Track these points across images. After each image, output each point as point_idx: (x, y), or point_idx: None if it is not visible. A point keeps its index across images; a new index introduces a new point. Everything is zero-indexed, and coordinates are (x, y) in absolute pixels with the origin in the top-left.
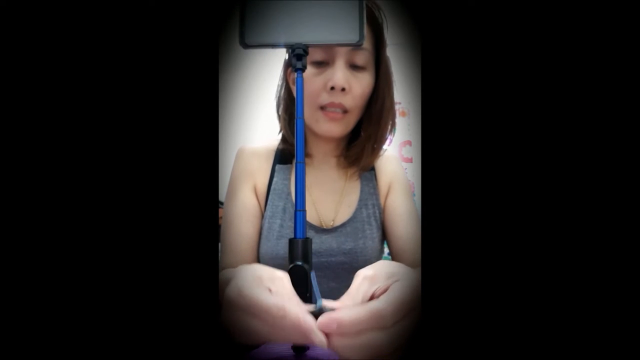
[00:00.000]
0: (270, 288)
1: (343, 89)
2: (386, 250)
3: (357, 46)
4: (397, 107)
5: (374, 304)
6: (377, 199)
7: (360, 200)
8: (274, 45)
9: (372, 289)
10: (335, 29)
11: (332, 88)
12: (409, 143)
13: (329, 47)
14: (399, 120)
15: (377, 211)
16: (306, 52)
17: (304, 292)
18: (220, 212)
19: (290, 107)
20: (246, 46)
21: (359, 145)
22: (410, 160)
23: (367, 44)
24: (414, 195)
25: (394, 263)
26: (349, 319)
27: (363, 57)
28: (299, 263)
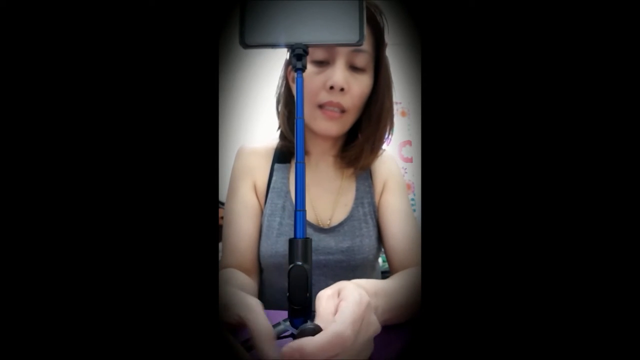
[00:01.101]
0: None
1: (342, 89)
2: None
3: (357, 46)
4: (397, 107)
5: (332, 328)
6: (373, 197)
7: (356, 199)
8: (274, 45)
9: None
10: (335, 29)
11: (332, 87)
12: (409, 143)
13: (329, 47)
14: (399, 120)
15: (373, 209)
16: (306, 52)
17: (304, 292)
18: (221, 212)
19: (289, 104)
20: (246, 46)
21: (358, 146)
22: (410, 160)
23: (367, 46)
24: (414, 195)
25: (345, 283)
26: (311, 348)
27: (363, 59)
28: (299, 263)
